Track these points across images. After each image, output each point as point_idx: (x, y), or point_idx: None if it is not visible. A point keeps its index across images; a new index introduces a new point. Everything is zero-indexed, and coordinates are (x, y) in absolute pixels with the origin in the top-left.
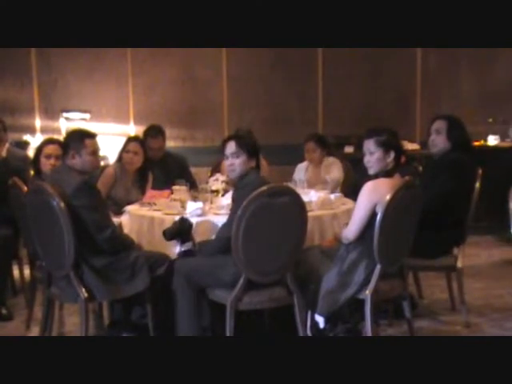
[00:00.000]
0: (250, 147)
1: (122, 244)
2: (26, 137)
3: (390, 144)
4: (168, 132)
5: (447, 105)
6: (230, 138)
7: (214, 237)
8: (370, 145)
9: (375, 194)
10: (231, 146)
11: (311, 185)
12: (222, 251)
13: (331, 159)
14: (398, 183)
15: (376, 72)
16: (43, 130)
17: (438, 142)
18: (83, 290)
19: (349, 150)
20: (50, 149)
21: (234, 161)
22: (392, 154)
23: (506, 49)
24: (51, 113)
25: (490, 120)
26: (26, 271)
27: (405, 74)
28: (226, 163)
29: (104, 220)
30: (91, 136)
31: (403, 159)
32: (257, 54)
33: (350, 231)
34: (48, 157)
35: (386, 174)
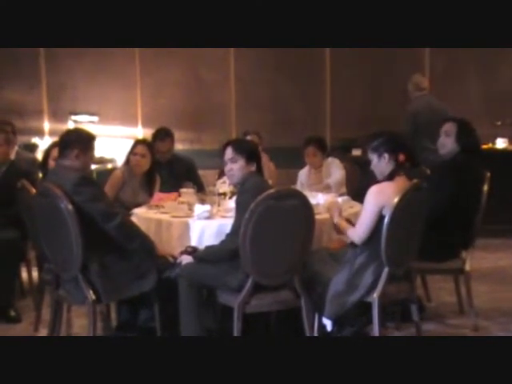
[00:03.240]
0: (247, 151)
1: (132, 230)
2: (35, 139)
3: (380, 148)
4: (175, 134)
5: (455, 107)
6: (227, 144)
7: (222, 238)
8: (368, 153)
9: (381, 196)
10: (228, 152)
11: (314, 188)
12: (228, 260)
13: (330, 159)
14: (404, 185)
15: (383, 74)
16: (51, 133)
17: (447, 143)
18: (91, 292)
19: (356, 152)
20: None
21: (232, 166)
22: (386, 157)
23: None
24: (60, 115)
25: (499, 123)
26: (34, 273)
27: (412, 75)
28: (226, 169)
29: (111, 208)
30: (95, 138)
31: (401, 158)
32: (264, 55)
33: (357, 235)
34: (56, 160)
35: (388, 177)
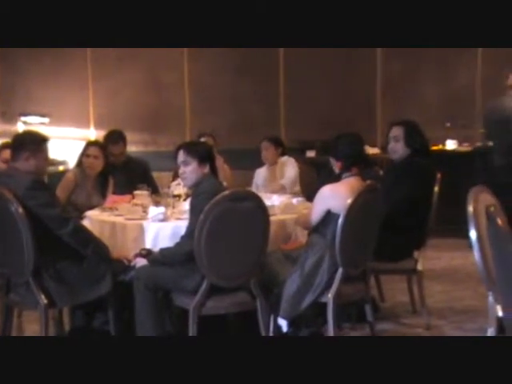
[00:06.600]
0: (199, 154)
1: (85, 236)
2: None
3: (329, 151)
4: (130, 136)
5: (409, 109)
6: (179, 147)
7: (177, 240)
8: None
9: (331, 197)
10: (180, 155)
11: (270, 187)
12: (183, 262)
13: (285, 158)
14: (357, 186)
15: (338, 76)
16: (0, 134)
17: (398, 148)
18: (43, 296)
19: (311, 154)
20: (8, 153)
21: (185, 169)
22: (331, 160)
23: (468, 53)
24: (9, 116)
25: (448, 125)
26: None
27: (366, 77)
28: (179, 172)
29: (63, 214)
30: (47, 140)
31: (338, 165)
32: (220, 57)
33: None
34: (6, 161)
35: (337, 177)
